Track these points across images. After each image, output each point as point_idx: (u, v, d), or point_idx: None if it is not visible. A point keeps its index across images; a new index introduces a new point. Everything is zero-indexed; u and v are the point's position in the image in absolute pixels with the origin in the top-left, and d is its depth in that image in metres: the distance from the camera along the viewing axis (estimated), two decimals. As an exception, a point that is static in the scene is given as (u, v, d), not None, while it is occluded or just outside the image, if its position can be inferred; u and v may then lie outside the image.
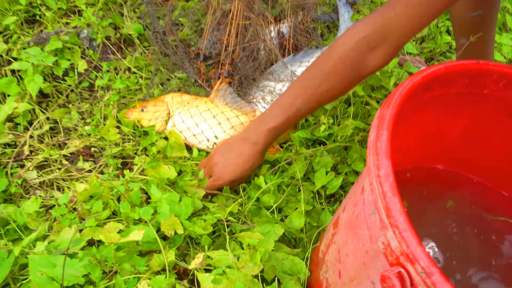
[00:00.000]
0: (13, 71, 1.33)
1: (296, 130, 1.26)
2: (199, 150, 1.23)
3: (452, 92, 0.88)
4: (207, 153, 1.22)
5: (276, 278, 0.88)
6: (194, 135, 1.22)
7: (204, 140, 1.22)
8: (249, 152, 1.07)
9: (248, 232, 0.92)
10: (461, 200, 1.05)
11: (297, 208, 1.05)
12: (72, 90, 1.34)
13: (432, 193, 1.05)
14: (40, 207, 1.06)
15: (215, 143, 1.22)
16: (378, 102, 1.36)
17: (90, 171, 1.17)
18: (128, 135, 1.23)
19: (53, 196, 1.11)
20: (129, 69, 1.42)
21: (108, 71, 1.39)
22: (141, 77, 1.39)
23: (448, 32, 1.79)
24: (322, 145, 1.25)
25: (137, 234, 0.85)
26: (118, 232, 0.89)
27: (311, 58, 1.44)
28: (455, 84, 0.86)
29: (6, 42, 1.42)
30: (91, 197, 1.02)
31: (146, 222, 0.93)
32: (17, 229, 0.96)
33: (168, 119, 1.25)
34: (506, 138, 0.96)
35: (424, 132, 0.95)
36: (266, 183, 1.07)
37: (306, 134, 1.24)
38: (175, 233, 0.92)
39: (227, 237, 0.91)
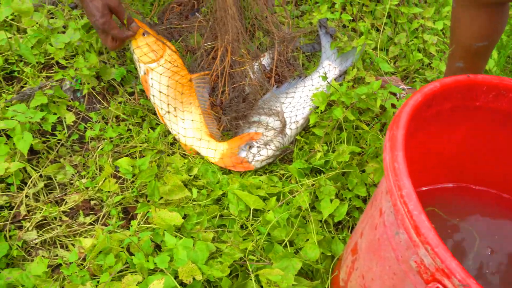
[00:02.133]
0: (-2, 131, 1.30)
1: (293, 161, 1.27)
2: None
3: (447, 107, 0.91)
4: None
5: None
6: (159, 99, 1.36)
7: (170, 116, 1.36)
8: None
9: (267, 269, 0.92)
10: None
11: (308, 240, 1.05)
12: (62, 144, 1.32)
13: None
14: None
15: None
16: (368, 125, 1.39)
17: (91, 224, 1.14)
18: (127, 182, 1.22)
19: (57, 255, 1.08)
20: (117, 117, 1.41)
21: (97, 121, 1.37)
22: (131, 123, 1.38)
23: (418, 50, 1.86)
24: (319, 173, 1.26)
25: (157, 285, 0.83)
26: (137, 284, 0.87)
27: (296, 89, 1.47)
28: (450, 99, 0.89)
29: (-14, 102, 1.39)
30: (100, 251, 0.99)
31: (162, 270, 0.92)
32: (27, 294, 0.93)
33: (154, 61, 1.36)
34: (500, 147, 0.99)
35: (425, 150, 0.98)
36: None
37: (303, 165, 1.26)
38: (193, 279, 0.90)
39: (252, 275, 0.90)
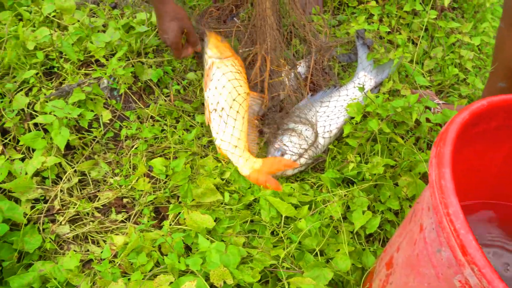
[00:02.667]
0: (35, 125, 1.33)
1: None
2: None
3: (492, 126, 0.89)
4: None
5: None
6: (213, 94, 1.38)
7: (216, 115, 1.37)
8: None
9: (298, 278, 0.91)
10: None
11: (339, 250, 1.04)
12: (97, 141, 1.34)
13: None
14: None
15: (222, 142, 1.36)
16: (402, 138, 1.37)
17: (123, 222, 1.15)
18: (160, 182, 1.23)
19: (88, 250, 1.09)
20: (151, 117, 1.42)
21: (133, 120, 1.39)
22: (165, 124, 1.40)
23: (454, 65, 1.83)
24: (351, 184, 1.25)
25: (189, 286, 0.83)
26: (169, 285, 0.87)
27: (331, 98, 1.46)
28: (495, 118, 0.87)
29: (26, 95, 1.42)
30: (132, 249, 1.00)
31: (192, 272, 0.92)
32: (59, 287, 0.94)
33: (219, 58, 1.43)
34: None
35: (469, 167, 0.96)
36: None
37: (335, 174, 1.25)
38: (224, 282, 0.90)
39: (285, 282, 0.90)
